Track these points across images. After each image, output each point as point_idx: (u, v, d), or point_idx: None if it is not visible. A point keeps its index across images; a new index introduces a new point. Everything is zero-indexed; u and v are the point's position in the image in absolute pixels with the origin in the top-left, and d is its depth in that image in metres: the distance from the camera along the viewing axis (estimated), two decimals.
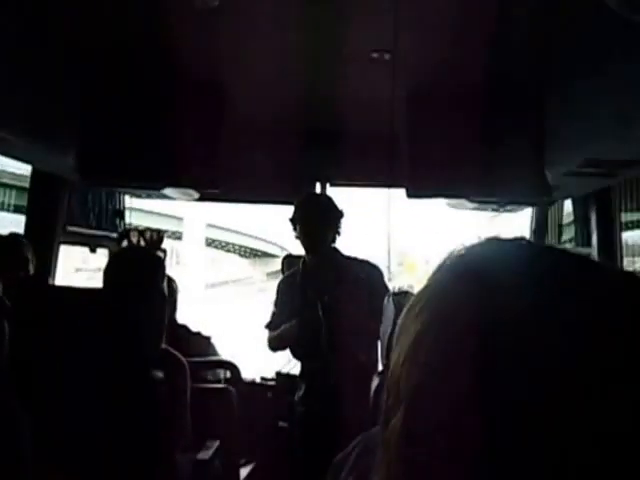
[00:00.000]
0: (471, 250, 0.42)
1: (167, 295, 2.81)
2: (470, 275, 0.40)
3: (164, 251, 2.87)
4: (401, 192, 2.48)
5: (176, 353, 1.98)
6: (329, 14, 1.83)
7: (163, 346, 1.96)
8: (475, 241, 0.43)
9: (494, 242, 0.43)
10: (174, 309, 2.87)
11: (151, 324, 1.71)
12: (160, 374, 1.76)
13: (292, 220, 2.70)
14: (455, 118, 2.33)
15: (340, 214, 2.70)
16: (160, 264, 2.19)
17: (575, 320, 0.36)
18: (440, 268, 0.43)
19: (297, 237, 2.69)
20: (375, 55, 2.05)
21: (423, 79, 2.27)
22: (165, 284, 2.94)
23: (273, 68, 2.24)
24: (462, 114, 2.33)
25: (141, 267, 2.05)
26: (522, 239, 0.44)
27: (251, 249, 32.56)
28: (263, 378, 3.29)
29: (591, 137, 1.77)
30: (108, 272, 2.05)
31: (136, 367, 1.66)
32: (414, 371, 0.39)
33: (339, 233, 2.72)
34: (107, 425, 1.63)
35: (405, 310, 0.43)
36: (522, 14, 1.74)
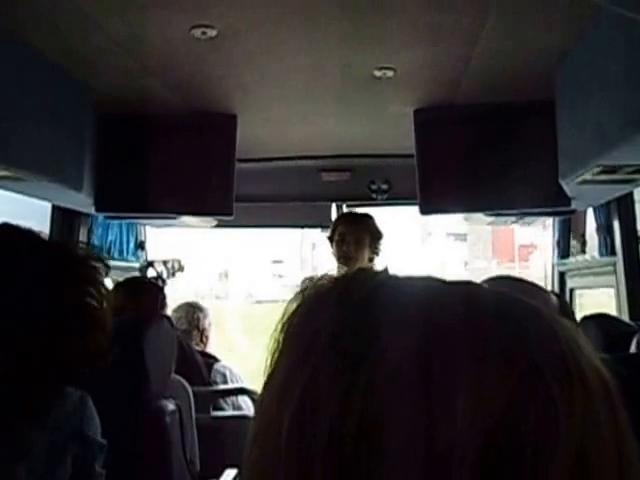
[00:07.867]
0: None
1: (191, 324, 2.81)
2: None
3: (163, 280, 2.90)
4: None
5: (180, 379, 1.97)
6: (329, 35, 1.82)
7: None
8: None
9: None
10: (202, 338, 2.85)
11: (158, 353, 1.71)
12: (171, 405, 1.76)
13: (329, 238, 2.67)
14: (465, 132, 2.29)
15: (379, 235, 2.64)
16: (159, 291, 2.23)
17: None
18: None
19: (333, 254, 2.65)
20: (378, 73, 2.04)
21: (429, 95, 2.24)
22: (187, 313, 2.95)
23: (278, 93, 2.25)
24: (472, 128, 2.29)
25: (139, 295, 2.09)
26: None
27: None
28: None
29: (603, 143, 1.70)
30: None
31: (144, 400, 1.66)
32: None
33: (377, 254, 2.64)
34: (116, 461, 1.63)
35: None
36: (528, 27, 1.71)
